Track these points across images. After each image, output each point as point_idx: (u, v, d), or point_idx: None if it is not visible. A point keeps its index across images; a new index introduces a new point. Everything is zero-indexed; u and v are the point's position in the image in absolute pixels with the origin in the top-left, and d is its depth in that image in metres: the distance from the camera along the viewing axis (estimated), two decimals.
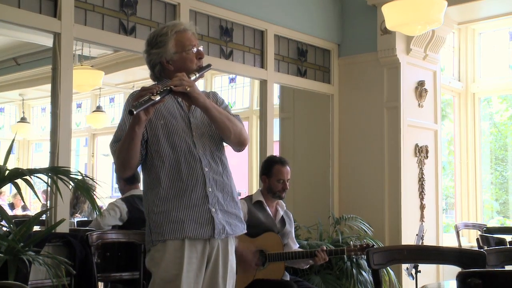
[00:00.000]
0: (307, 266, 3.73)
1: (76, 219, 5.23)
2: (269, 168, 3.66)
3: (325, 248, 3.54)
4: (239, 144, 2.34)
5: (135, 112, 2.02)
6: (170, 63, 2.28)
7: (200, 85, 8.05)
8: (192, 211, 2.22)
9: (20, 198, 7.53)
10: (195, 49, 2.30)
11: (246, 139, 2.35)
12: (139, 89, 2.35)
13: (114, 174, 2.31)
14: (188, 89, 2.14)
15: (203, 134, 2.30)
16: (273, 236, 3.54)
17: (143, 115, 2.09)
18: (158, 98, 2.07)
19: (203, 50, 2.37)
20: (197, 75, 2.26)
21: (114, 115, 8.39)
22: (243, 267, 3.36)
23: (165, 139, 2.25)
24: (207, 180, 2.25)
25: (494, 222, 6.41)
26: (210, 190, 2.25)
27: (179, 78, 2.15)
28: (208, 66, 2.35)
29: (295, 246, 3.70)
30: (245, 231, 2.39)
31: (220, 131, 2.27)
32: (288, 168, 3.66)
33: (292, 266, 3.72)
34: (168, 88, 2.12)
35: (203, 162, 2.26)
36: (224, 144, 2.40)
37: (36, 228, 3.59)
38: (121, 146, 2.20)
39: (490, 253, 2.32)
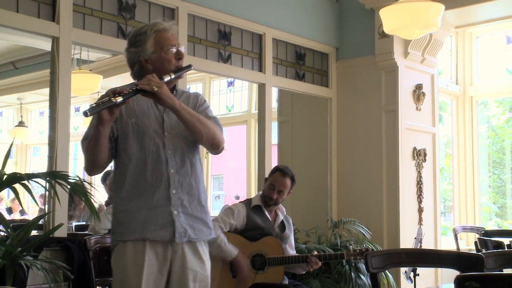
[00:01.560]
0: (304, 272, 3.73)
1: (74, 223, 5.22)
2: (271, 173, 3.70)
3: (315, 253, 3.54)
4: (213, 147, 2.29)
5: (88, 114, 1.99)
6: (148, 62, 2.25)
7: (199, 88, 8.05)
8: (154, 213, 2.18)
9: (18, 202, 7.51)
10: (174, 49, 2.26)
11: (220, 142, 2.27)
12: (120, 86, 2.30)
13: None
14: (156, 89, 2.09)
15: (176, 135, 2.25)
16: (273, 240, 3.54)
17: (107, 115, 2.05)
18: (120, 99, 2.02)
19: (184, 50, 2.32)
20: (173, 76, 2.21)
21: None
22: (239, 278, 3.41)
23: (134, 137, 2.22)
24: (172, 181, 2.21)
25: (492, 223, 6.42)
26: (174, 192, 2.21)
27: (147, 79, 2.11)
28: (188, 67, 2.31)
29: (292, 252, 3.70)
30: (213, 237, 2.33)
31: (191, 133, 2.23)
32: (287, 180, 3.60)
33: (289, 271, 3.72)
34: (134, 88, 2.08)
35: (170, 163, 2.21)
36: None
37: (34, 232, 3.58)
38: (88, 145, 2.17)
39: (488, 256, 2.32)
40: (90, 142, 2.15)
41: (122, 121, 2.23)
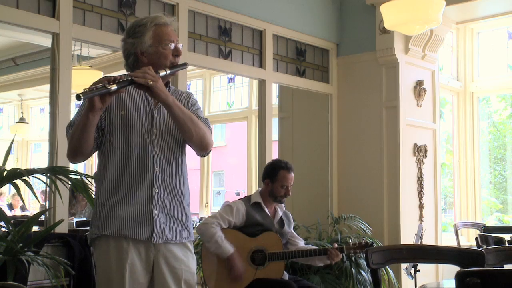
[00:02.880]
0: (322, 265, 3.73)
1: (75, 219, 5.22)
2: (274, 172, 3.64)
3: (336, 246, 3.54)
4: (201, 148, 2.24)
5: (82, 98, 1.94)
6: (144, 55, 2.21)
7: (199, 85, 8.04)
8: (134, 209, 2.14)
9: (18, 198, 7.53)
10: (172, 46, 2.22)
11: (209, 144, 2.24)
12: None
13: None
14: (151, 83, 2.05)
15: (164, 133, 2.22)
16: (273, 235, 3.54)
17: (98, 103, 2.01)
18: (114, 87, 1.99)
19: (186, 47, 2.33)
20: (168, 71, 2.17)
21: None
22: (232, 277, 3.40)
23: (122, 130, 2.17)
24: (156, 180, 2.17)
25: (493, 218, 6.42)
26: (157, 191, 2.17)
27: (143, 71, 2.07)
28: (183, 65, 2.28)
29: (301, 243, 3.70)
30: (191, 240, 2.28)
31: (182, 131, 2.19)
32: (292, 174, 3.65)
33: (307, 263, 3.72)
34: (129, 79, 2.04)
35: (156, 161, 2.18)
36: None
37: (35, 228, 3.58)
38: (74, 131, 2.12)
39: (489, 252, 2.32)
40: (77, 129, 2.10)
41: (112, 112, 2.18)
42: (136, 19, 2.31)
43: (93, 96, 1.98)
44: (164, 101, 2.11)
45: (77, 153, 2.16)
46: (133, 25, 2.26)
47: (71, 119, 2.24)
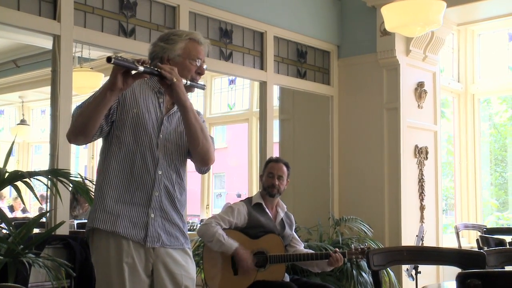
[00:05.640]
0: (319, 271, 3.71)
1: (76, 221, 5.22)
2: (265, 166, 3.74)
3: (338, 250, 3.53)
4: (203, 162, 2.25)
5: (112, 61, 1.90)
6: (170, 62, 2.23)
7: None
8: (130, 209, 2.14)
9: (19, 200, 7.53)
10: (198, 63, 2.26)
11: (211, 159, 2.24)
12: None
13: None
14: (175, 80, 2.07)
15: (170, 140, 2.23)
16: (274, 238, 3.54)
17: (120, 82, 1.99)
18: (141, 68, 1.99)
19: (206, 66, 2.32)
20: (188, 83, 2.20)
21: None
22: (241, 271, 3.40)
23: (131, 128, 2.17)
24: (157, 183, 2.17)
25: (492, 218, 6.42)
26: (157, 194, 2.17)
27: (170, 68, 2.10)
28: (202, 86, 2.33)
29: (300, 246, 3.70)
30: (188, 247, 2.27)
31: (190, 138, 2.19)
32: (282, 165, 3.67)
33: (306, 267, 3.71)
34: (156, 69, 2.05)
35: (160, 165, 2.18)
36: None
37: (36, 230, 3.59)
38: (85, 109, 2.08)
39: (490, 253, 2.31)
40: (89, 106, 2.06)
41: (124, 108, 2.18)
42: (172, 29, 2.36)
43: (122, 66, 1.96)
44: (183, 102, 2.12)
45: (80, 132, 2.11)
46: (168, 32, 2.32)
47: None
